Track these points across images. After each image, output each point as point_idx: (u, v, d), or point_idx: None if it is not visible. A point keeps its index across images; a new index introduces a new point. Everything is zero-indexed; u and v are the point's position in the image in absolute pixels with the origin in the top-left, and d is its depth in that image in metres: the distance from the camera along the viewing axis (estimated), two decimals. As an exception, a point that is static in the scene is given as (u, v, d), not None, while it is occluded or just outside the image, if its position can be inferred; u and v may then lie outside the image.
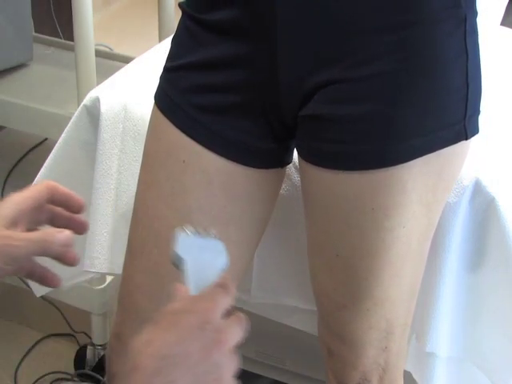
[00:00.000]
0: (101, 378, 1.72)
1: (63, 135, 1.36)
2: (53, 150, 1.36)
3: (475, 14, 0.95)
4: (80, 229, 0.86)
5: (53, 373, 1.79)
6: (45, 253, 0.79)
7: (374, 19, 0.90)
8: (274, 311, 1.38)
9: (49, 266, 0.84)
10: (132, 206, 1.09)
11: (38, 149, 2.05)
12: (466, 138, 0.96)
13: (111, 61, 1.87)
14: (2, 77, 1.80)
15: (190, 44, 1.00)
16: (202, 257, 0.74)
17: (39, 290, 1.46)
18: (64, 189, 0.85)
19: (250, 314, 1.30)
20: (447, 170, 0.98)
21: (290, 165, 1.10)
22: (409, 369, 1.26)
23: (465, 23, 0.92)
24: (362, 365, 1.06)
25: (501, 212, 1.14)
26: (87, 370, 1.76)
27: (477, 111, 0.97)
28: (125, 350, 1.08)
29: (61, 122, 1.48)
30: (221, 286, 0.71)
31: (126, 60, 1.72)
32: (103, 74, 1.51)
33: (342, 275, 1.02)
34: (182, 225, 0.75)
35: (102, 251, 1.33)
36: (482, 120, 0.99)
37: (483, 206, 1.15)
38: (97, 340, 1.75)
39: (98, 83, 1.41)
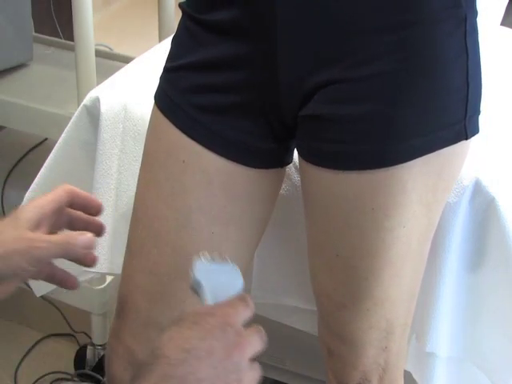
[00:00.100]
0: (101, 378, 1.72)
1: (63, 135, 1.36)
2: (53, 150, 1.36)
3: (475, 13, 0.95)
4: (98, 231, 0.89)
5: (53, 373, 1.79)
6: (67, 255, 0.82)
7: (374, 19, 0.90)
8: (274, 311, 1.38)
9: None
10: (132, 206, 1.09)
11: (38, 149, 2.05)
12: (466, 138, 0.96)
13: (111, 61, 1.87)
14: (2, 77, 1.80)
15: (190, 44, 1.00)
16: (219, 281, 0.79)
17: (39, 289, 1.46)
18: (83, 192, 0.89)
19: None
20: (447, 169, 0.98)
21: (290, 165, 1.10)
22: (409, 369, 1.26)
23: (465, 23, 0.92)
24: (362, 365, 1.06)
25: (501, 212, 1.14)
26: (87, 370, 1.76)
27: (477, 111, 0.97)
28: (124, 350, 1.08)
29: (61, 122, 1.48)
30: (241, 299, 0.75)
31: (126, 60, 1.71)
32: (103, 74, 1.51)
33: (342, 275, 1.02)
34: (200, 253, 0.80)
35: (102, 251, 1.33)
36: (482, 120, 0.98)
37: (483, 206, 1.15)
38: (97, 340, 1.75)
39: (98, 83, 1.41)
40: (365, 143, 0.93)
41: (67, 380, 1.78)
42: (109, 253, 1.33)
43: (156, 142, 1.05)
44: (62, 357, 1.85)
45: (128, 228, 1.09)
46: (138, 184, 1.08)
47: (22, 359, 1.85)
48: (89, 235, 0.82)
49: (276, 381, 1.63)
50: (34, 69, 1.86)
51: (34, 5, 1.87)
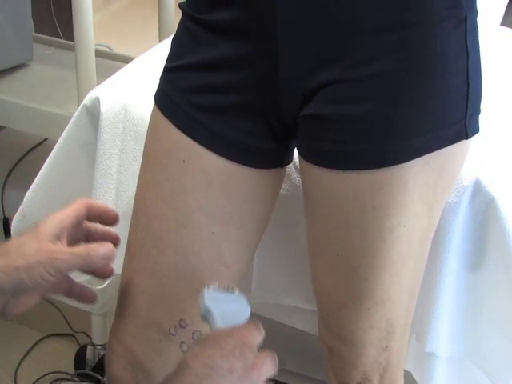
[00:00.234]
0: (101, 378, 1.72)
1: (63, 135, 1.36)
2: (53, 150, 1.36)
3: (475, 13, 0.95)
4: (114, 243, 0.91)
5: (53, 373, 1.79)
6: (88, 266, 0.85)
7: (373, 19, 0.90)
8: (274, 311, 1.38)
9: None
10: (132, 206, 1.09)
11: (38, 149, 2.05)
12: (467, 138, 0.96)
13: (111, 61, 1.87)
14: (2, 77, 1.80)
15: (190, 44, 1.00)
16: (228, 309, 0.83)
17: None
18: (99, 203, 0.92)
19: (250, 313, 1.30)
20: (448, 169, 0.98)
21: (290, 165, 1.10)
22: (409, 369, 1.26)
23: (465, 23, 0.92)
24: (363, 364, 1.06)
25: (501, 212, 1.14)
26: (87, 370, 1.76)
27: (477, 110, 0.97)
28: (124, 350, 1.08)
29: (61, 122, 1.48)
30: (254, 324, 0.80)
31: (126, 60, 1.72)
32: (103, 74, 1.51)
33: (342, 275, 1.02)
34: (209, 283, 0.86)
35: (102, 251, 1.32)
36: (482, 120, 0.98)
37: (483, 205, 1.15)
38: (97, 340, 1.75)
39: (98, 83, 1.41)
40: (365, 143, 0.93)
41: (67, 380, 1.78)
42: (109, 253, 1.33)
43: (156, 142, 1.05)
44: (61, 357, 1.85)
45: (128, 228, 1.09)
46: (138, 184, 1.08)
47: (22, 359, 1.84)
48: (109, 246, 0.85)
49: (276, 381, 1.63)
50: (34, 69, 1.86)
51: (34, 5, 1.87)
